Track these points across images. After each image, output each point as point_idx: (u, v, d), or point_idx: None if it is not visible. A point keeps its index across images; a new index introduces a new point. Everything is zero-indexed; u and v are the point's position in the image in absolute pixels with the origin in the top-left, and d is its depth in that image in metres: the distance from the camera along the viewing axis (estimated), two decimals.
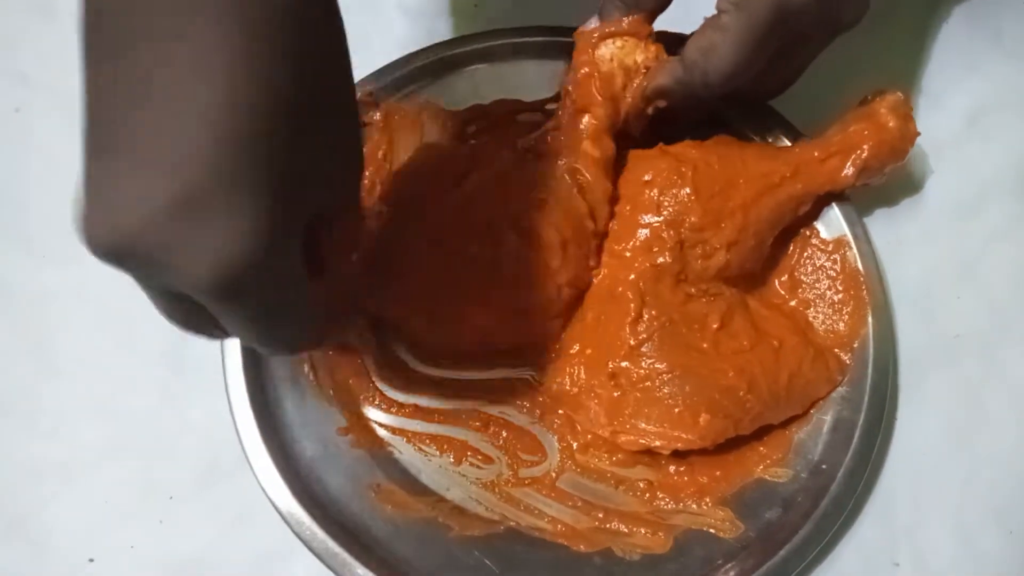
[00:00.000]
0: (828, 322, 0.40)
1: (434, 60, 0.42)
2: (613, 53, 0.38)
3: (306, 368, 0.39)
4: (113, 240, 0.24)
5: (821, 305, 0.41)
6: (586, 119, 0.39)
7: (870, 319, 0.39)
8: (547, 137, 0.40)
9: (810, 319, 0.41)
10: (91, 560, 0.37)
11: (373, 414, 0.39)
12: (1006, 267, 0.42)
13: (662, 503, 0.38)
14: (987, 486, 0.39)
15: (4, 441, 0.39)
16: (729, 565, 0.36)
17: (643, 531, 0.37)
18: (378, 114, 0.42)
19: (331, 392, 0.39)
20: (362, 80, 0.42)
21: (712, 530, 0.37)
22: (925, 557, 0.38)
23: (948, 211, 0.43)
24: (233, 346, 0.38)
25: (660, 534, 0.37)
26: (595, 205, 0.39)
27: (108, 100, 0.24)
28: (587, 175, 0.39)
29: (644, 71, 0.39)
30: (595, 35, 0.39)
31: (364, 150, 0.33)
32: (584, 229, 0.38)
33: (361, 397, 0.39)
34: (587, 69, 0.39)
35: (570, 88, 0.39)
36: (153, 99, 0.23)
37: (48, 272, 0.41)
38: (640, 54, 0.38)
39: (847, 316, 0.40)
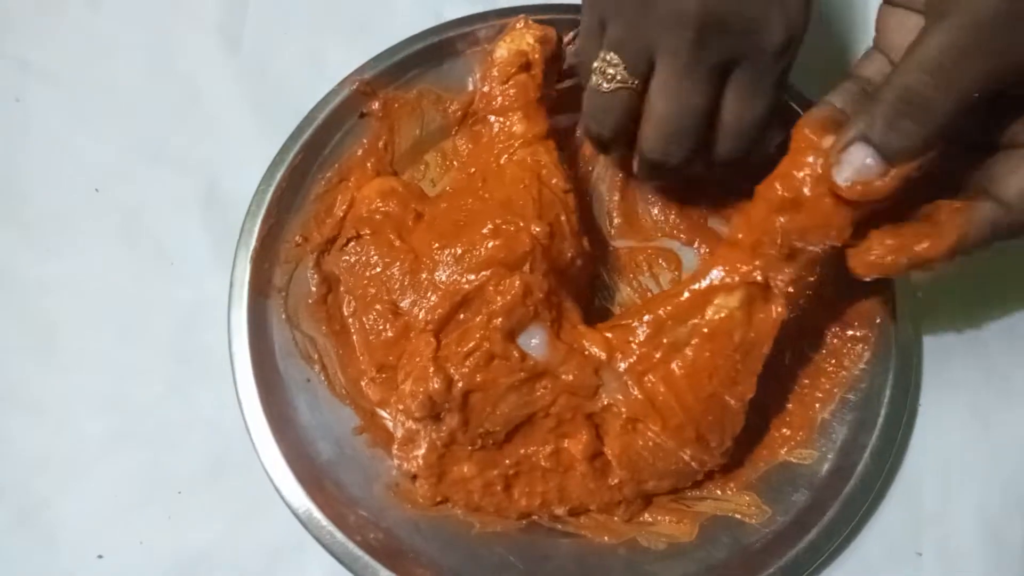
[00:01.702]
0: (850, 296, 0.39)
1: (432, 44, 0.41)
2: (508, 47, 0.38)
3: (316, 368, 0.38)
4: (720, 7, 0.31)
5: (842, 279, 0.40)
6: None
7: (894, 293, 0.38)
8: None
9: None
10: (100, 556, 0.37)
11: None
12: None
13: (686, 490, 0.37)
14: (1013, 472, 0.38)
15: (10, 434, 0.38)
16: (756, 551, 0.36)
17: (668, 519, 0.37)
18: (377, 103, 0.40)
19: (344, 391, 0.38)
20: (361, 66, 0.40)
21: (738, 516, 0.37)
22: (948, 547, 0.37)
23: None
24: (242, 351, 0.37)
25: (685, 522, 0.37)
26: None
27: None
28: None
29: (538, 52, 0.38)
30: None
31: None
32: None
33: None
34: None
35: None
36: None
37: (51, 263, 0.41)
38: (529, 37, 0.38)
39: (869, 290, 0.39)
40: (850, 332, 0.39)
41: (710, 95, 0.33)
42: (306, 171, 0.40)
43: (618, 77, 0.33)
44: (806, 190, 0.30)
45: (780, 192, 0.31)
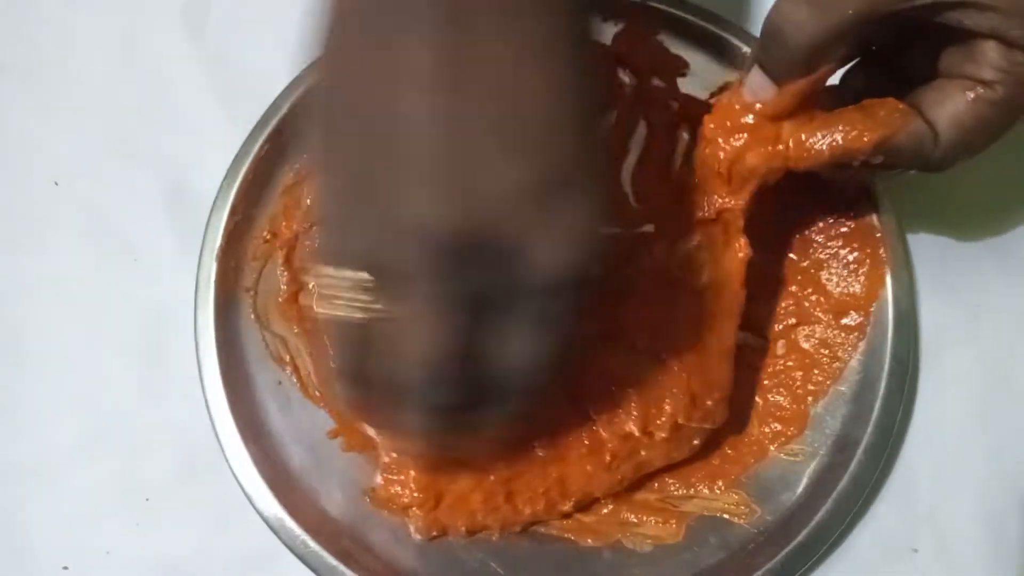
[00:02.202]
0: (843, 283, 0.38)
1: None
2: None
3: (288, 370, 0.37)
4: (473, 222, 0.23)
5: (835, 265, 0.38)
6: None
7: (888, 279, 0.37)
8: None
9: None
10: (65, 568, 0.36)
11: None
12: None
13: (672, 489, 0.36)
14: (1012, 467, 0.37)
15: None
16: (745, 552, 0.35)
17: (653, 520, 0.36)
18: None
19: (317, 393, 0.37)
20: None
21: (726, 515, 0.36)
22: (946, 543, 0.36)
23: (969, 176, 0.40)
24: (209, 354, 0.36)
25: (672, 523, 0.36)
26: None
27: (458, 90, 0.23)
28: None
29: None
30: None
31: None
32: None
33: None
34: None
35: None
36: (493, 87, 0.23)
37: (14, 263, 0.39)
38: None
39: (863, 277, 0.37)
40: (844, 321, 0.37)
41: (468, 329, 0.25)
42: (273, 162, 0.38)
43: (372, 304, 0.25)
44: (742, 119, 0.32)
45: (712, 125, 0.33)
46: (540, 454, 0.35)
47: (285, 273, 0.38)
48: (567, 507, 0.35)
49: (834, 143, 0.31)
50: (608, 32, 0.40)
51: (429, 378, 0.25)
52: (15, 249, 0.39)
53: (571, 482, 0.35)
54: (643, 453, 0.35)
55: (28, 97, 0.41)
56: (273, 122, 0.38)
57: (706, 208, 0.34)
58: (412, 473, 0.34)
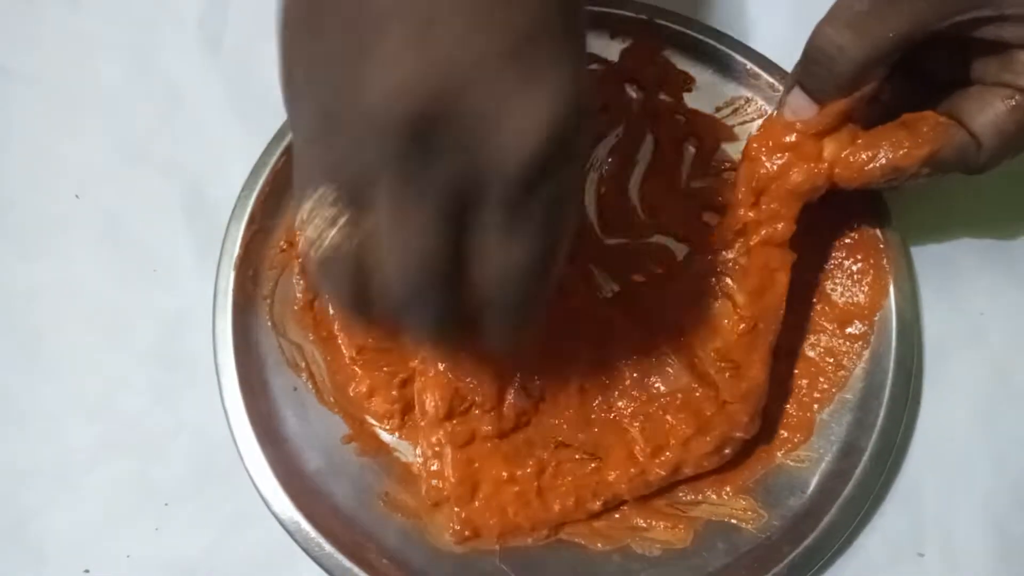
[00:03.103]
0: (847, 293, 0.38)
1: None
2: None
3: (304, 376, 0.37)
4: (436, 95, 0.21)
5: (839, 275, 0.39)
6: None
7: (892, 289, 0.37)
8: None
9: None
10: (87, 571, 0.37)
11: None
12: None
13: (681, 494, 0.37)
14: (1017, 472, 0.37)
15: None
16: (753, 557, 0.35)
17: (662, 525, 0.36)
18: None
19: (332, 400, 0.37)
20: None
21: (734, 521, 0.36)
22: (952, 546, 0.36)
23: (971, 186, 0.40)
24: (227, 360, 0.36)
25: (680, 527, 0.36)
26: None
27: None
28: None
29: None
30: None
31: None
32: None
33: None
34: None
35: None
36: None
37: (34, 270, 0.40)
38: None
39: (867, 286, 0.38)
40: (848, 330, 0.38)
41: (449, 233, 0.23)
42: (290, 174, 0.38)
43: (332, 227, 0.23)
44: (784, 139, 0.33)
45: (756, 144, 0.34)
46: (577, 457, 0.36)
47: (301, 282, 0.38)
48: (596, 506, 0.35)
49: (885, 163, 0.32)
50: (616, 49, 0.41)
51: (419, 286, 0.23)
52: (38, 257, 0.40)
53: (603, 483, 0.35)
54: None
55: (52, 111, 0.42)
56: (290, 135, 0.38)
57: (747, 224, 0.35)
58: (449, 460, 0.35)
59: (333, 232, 0.23)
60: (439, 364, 0.35)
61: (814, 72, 0.31)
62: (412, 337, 0.29)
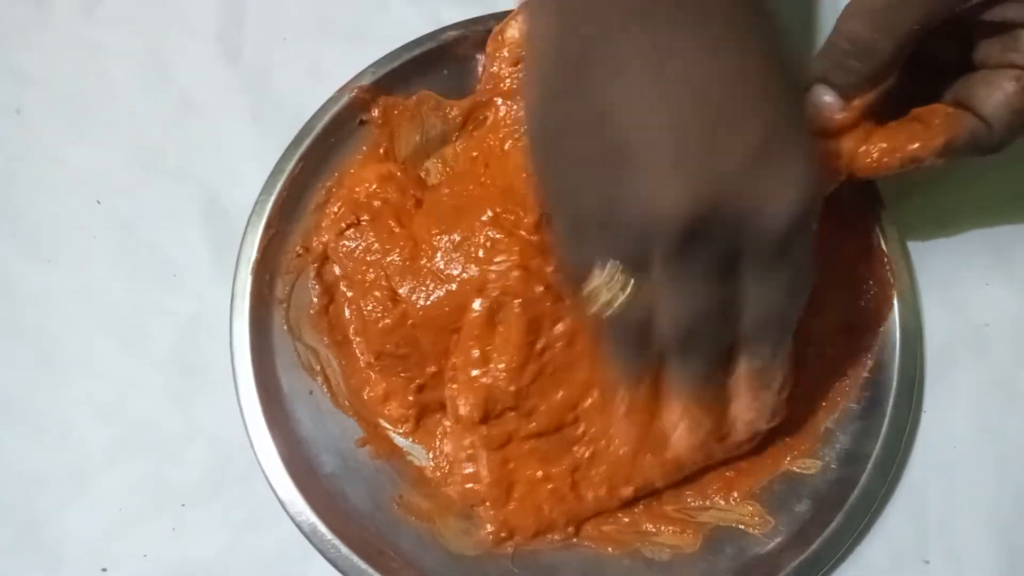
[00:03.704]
0: (851, 304, 0.39)
1: (431, 49, 0.41)
2: (520, 27, 0.36)
3: (319, 380, 0.38)
4: (709, 203, 0.26)
5: (844, 287, 0.39)
6: None
7: (895, 300, 0.38)
8: None
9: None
10: (104, 570, 0.37)
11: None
12: None
13: (689, 500, 0.37)
14: (1020, 479, 0.38)
15: (12, 449, 0.38)
16: (759, 562, 0.36)
17: (671, 530, 0.37)
18: (376, 110, 0.40)
19: (346, 403, 0.38)
20: (360, 73, 0.40)
21: (742, 526, 0.37)
22: (957, 554, 0.37)
23: (976, 196, 0.41)
24: (243, 363, 0.37)
25: (689, 532, 0.37)
26: None
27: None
28: None
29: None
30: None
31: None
32: None
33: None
34: None
35: None
36: (704, 72, 0.26)
37: (51, 275, 0.40)
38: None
39: (871, 297, 0.39)
40: (853, 340, 0.39)
41: (719, 294, 0.29)
42: (306, 180, 0.39)
43: (623, 292, 0.29)
44: None
45: None
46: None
47: (316, 286, 0.39)
48: (628, 492, 0.36)
49: (902, 156, 0.33)
50: None
51: (692, 332, 0.29)
52: (56, 262, 0.41)
53: (637, 469, 0.35)
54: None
55: (69, 119, 0.42)
56: (306, 142, 0.39)
57: None
58: (484, 462, 0.35)
59: (624, 296, 0.29)
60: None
61: (847, 66, 0.31)
62: (677, 378, 0.32)
